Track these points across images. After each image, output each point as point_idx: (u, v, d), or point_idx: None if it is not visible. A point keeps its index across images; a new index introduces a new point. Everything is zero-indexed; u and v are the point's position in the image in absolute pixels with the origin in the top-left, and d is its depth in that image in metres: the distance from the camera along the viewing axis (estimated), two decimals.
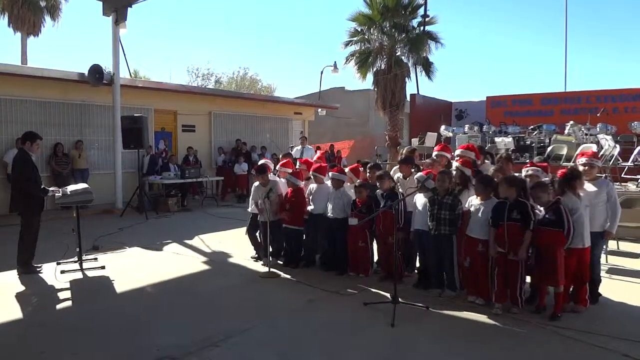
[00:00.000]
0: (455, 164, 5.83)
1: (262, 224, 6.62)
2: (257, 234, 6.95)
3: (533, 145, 13.70)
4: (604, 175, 9.36)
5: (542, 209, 4.80)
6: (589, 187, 5.06)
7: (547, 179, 5.33)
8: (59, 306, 5.27)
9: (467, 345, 4.20)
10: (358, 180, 6.30)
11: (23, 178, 6.22)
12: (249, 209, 7.03)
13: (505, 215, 4.77)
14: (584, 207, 4.78)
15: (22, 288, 5.80)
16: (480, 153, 6.51)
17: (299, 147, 14.04)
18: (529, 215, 4.72)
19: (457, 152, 6.18)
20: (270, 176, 6.84)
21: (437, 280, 5.45)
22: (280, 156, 8.66)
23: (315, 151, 12.88)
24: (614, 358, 3.94)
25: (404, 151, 7.45)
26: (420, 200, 5.61)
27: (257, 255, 7.06)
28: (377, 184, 6.04)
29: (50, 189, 6.51)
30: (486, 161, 6.66)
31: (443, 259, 5.33)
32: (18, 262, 6.30)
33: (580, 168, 5.20)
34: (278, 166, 7.25)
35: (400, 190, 6.03)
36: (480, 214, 5.03)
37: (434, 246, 5.35)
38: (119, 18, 11.35)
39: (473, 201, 5.19)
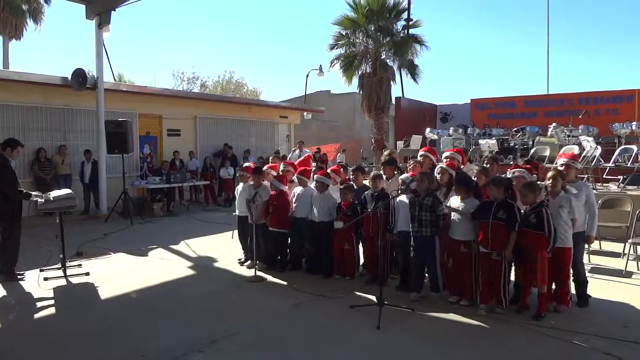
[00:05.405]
0: (440, 165, 5.86)
1: (249, 227, 6.61)
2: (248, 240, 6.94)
3: (517, 147, 13.84)
4: (585, 176, 9.51)
5: (525, 207, 4.86)
6: (568, 188, 5.13)
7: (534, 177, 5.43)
8: (42, 314, 5.19)
9: (452, 346, 4.24)
10: (347, 183, 6.33)
11: (3, 183, 6.12)
12: (235, 213, 6.99)
13: (491, 214, 4.81)
14: (556, 207, 4.84)
15: (3, 295, 5.71)
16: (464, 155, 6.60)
17: (297, 152, 14.01)
18: (515, 216, 4.77)
19: (447, 153, 6.21)
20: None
21: (421, 282, 5.47)
22: (270, 158, 8.66)
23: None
24: (596, 356, 3.99)
25: (385, 153, 7.49)
26: (404, 202, 5.64)
27: (243, 259, 7.03)
28: (371, 184, 6.05)
29: (33, 193, 6.40)
30: (468, 162, 6.72)
31: (425, 261, 5.36)
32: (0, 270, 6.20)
33: (560, 168, 5.27)
34: (265, 167, 7.24)
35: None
36: (460, 215, 5.07)
37: (416, 248, 5.37)
38: (103, 21, 11.25)
39: (452, 202, 5.23)
